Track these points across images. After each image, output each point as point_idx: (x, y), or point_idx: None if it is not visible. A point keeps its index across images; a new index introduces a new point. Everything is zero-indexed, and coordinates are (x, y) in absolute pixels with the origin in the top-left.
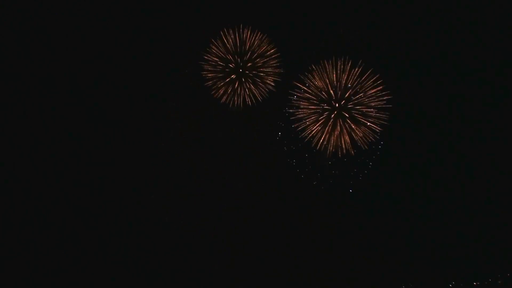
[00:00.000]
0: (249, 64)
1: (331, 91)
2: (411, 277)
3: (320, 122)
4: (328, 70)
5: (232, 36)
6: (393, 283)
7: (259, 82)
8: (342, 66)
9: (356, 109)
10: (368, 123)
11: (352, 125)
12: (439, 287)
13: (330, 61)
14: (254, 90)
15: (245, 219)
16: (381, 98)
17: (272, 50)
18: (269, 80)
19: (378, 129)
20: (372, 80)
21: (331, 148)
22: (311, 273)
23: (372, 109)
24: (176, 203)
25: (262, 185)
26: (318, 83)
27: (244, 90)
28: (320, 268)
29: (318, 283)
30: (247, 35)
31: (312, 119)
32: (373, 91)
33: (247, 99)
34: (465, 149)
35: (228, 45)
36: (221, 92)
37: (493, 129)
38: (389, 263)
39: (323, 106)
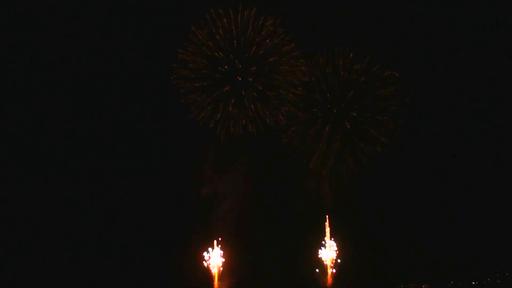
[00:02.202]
0: (253, 68)
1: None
2: (411, 277)
3: (311, 135)
4: (322, 62)
5: (225, 19)
6: (393, 283)
7: (273, 99)
8: (341, 61)
9: (363, 117)
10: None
11: (356, 139)
12: (439, 286)
13: (325, 54)
14: (263, 113)
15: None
16: (392, 103)
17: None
18: (290, 95)
19: (385, 141)
20: (383, 76)
21: (327, 171)
22: (311, 273)
23: (384, 117)
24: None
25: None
26: (308, 79)
27: (247, 113)
28: (321, 268)
29: (319, 283)
30: (249, 16)
31: (300, 129)
32: (385, 91)
33: (250, 128)
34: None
35: (217, 35)
36: (206, 113)
37: None
38: (389, 263)
39: (315, 112)
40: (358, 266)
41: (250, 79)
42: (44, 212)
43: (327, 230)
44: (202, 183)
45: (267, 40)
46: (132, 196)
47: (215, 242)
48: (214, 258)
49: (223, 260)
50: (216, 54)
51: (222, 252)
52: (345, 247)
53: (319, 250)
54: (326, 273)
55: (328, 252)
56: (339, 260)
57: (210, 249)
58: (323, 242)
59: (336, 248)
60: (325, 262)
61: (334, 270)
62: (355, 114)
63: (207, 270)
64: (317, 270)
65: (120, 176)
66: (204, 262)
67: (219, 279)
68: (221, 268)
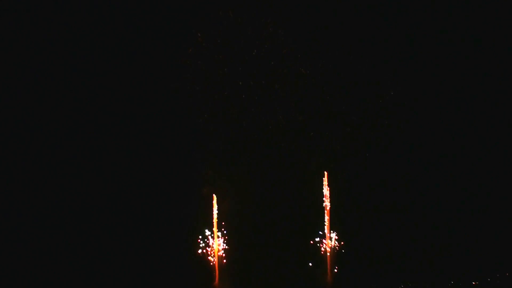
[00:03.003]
0: (253, 71)
1: None
2: (411, 277)
3: (310, 137)
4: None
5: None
6: (393, 283)
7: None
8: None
9: (363, 119)
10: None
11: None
12: (439, 286)
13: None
14: (263, 115)
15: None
16: (392, 105)
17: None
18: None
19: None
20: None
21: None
22: (310, 272)
23: (384, 118)
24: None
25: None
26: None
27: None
28: (319, 267)
29: (317, 283)
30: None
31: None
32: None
33: (251, 129)
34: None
35: (218, 38)
36: (207, 116)
37: None
38: (389, 263)
39: (315, 114)
40: (357, 264)
41: (251, 82)
42: (44, 212)
43: (326, 193)
44: (203, 183)
45: (268, 43)
46: (131, 195)
47: (214, 200)
48: (215, 243)
49: (226, 246)
50: (216, 56)
51: (224, 237)
52: (345, 242)
53: (316, 239)
54: (326, 268)
55: (328, 241)
56: (343, 250)
57: (207, 231)
58: (320, 233)
59: (336, 237)
60: (323, 252)
61: (336, 270)
62: (355, 118)
63: (204, 261)
64: (310, 264)
65: (121, 176)
66: (199, 250)
67: (219, 278)
68: (224, 260)
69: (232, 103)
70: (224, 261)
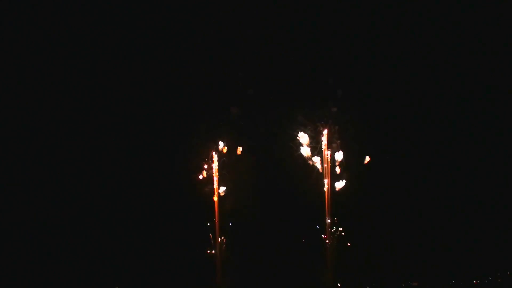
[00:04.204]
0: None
1: None
2: (412, 276)
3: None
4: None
5: None
6: (394, 282)
7: None
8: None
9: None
10: None
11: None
12: (440, 285)
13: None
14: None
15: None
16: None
17: None
18: None
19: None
20: None
21: None
22: (312, 272)
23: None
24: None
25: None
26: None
27: None
28: (322, 267)
29: (320, 282)
30: None
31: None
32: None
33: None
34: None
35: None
36: (210, 117)
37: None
38: (390, 262)
39: (315, 114)
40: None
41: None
42: (45, 212)
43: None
44: (205, 183)
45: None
46: (132, 194)
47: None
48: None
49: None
50: (218, 59)
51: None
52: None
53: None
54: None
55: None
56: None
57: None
58: (317, 226)
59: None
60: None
61: (336, 268)
62: (354, 118)
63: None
64: (311, 260)
65: (121, 175)
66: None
67: (222, 275)
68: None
69: (232, 104)
70: (226, 255)
